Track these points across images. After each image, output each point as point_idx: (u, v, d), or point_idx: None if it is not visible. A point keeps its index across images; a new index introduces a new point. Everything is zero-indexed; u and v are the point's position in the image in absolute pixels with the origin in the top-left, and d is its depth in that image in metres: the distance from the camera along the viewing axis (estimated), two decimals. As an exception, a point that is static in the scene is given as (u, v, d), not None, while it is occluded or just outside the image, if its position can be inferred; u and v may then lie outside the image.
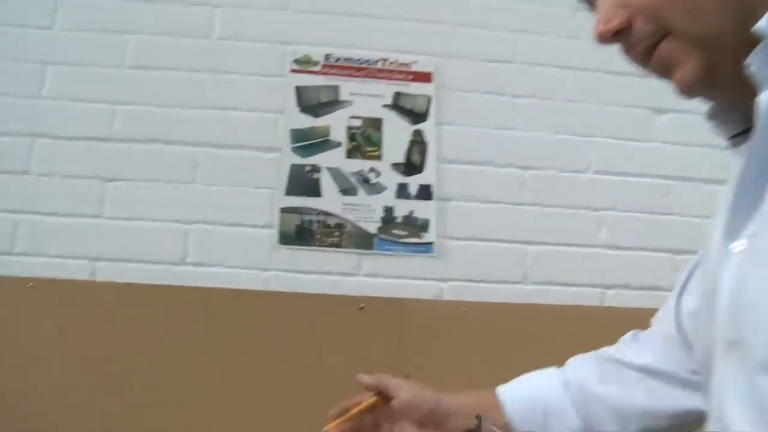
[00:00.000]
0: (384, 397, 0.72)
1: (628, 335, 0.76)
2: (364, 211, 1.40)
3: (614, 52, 0.55)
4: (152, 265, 1.37)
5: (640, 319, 0.77)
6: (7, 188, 1.41)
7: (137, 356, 1.26)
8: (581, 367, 0.75)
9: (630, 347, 0.74)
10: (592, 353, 0.77)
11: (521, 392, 0.75)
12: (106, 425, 1.22)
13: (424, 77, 1.49)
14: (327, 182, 1.42)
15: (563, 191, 1.48)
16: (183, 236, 1.39)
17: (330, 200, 1.41)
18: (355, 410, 0.71)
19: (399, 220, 1.41)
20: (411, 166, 1.45)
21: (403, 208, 1.42)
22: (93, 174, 1.41)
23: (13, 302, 1.30)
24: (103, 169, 1.41)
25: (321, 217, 1.40)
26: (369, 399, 0.72)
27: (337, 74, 1.48)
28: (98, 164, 1.41)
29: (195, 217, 1.39)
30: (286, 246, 1.38)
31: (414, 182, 1.44)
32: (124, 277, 1.35)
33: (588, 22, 0.55)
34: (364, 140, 1.45)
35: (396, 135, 1.46)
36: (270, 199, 1.41)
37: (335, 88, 1.47)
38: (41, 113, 1.43)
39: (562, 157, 1.50)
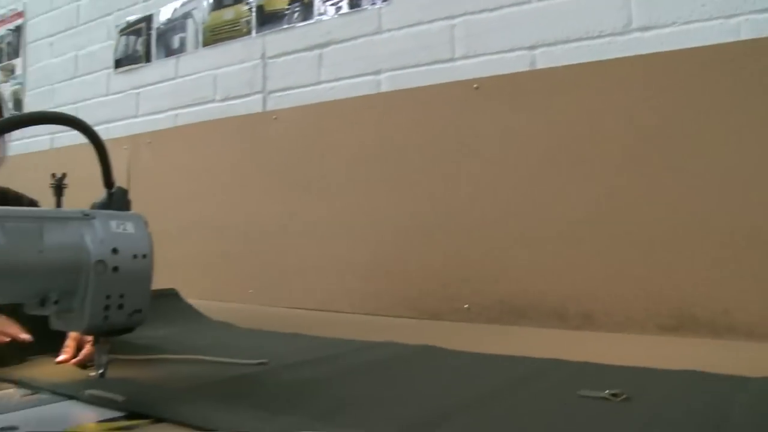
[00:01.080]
0: None
1: None
2: None
3: None
4: (591, 41, 1.27)
5: None
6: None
7: (598, 141, 1.20)
8: None
9: None
10: None
11: None
12: (562, 214, 1.21)
13: None
14: None
15: None
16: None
17: None
18: None
19: None
20: None
21: None
22: (514, -42, 1.35)
23: (461, 106, 1.36)
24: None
25: (806, -68, 1.07)
26: None
27: None
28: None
29: (634, -25, 1.22)
30: (757, -19, 1.11)
31: None
32: (567, 59, 1.29)
33: None
34: None
35: None
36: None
37: None
38: None
39: None
